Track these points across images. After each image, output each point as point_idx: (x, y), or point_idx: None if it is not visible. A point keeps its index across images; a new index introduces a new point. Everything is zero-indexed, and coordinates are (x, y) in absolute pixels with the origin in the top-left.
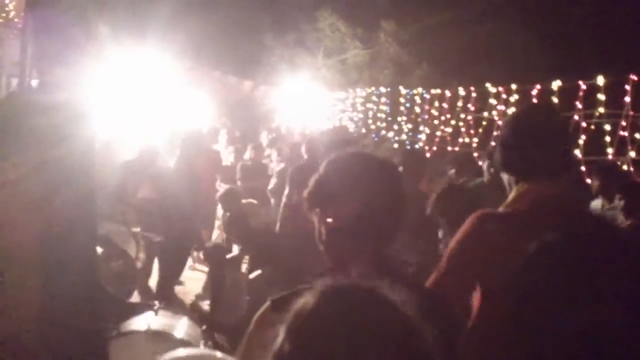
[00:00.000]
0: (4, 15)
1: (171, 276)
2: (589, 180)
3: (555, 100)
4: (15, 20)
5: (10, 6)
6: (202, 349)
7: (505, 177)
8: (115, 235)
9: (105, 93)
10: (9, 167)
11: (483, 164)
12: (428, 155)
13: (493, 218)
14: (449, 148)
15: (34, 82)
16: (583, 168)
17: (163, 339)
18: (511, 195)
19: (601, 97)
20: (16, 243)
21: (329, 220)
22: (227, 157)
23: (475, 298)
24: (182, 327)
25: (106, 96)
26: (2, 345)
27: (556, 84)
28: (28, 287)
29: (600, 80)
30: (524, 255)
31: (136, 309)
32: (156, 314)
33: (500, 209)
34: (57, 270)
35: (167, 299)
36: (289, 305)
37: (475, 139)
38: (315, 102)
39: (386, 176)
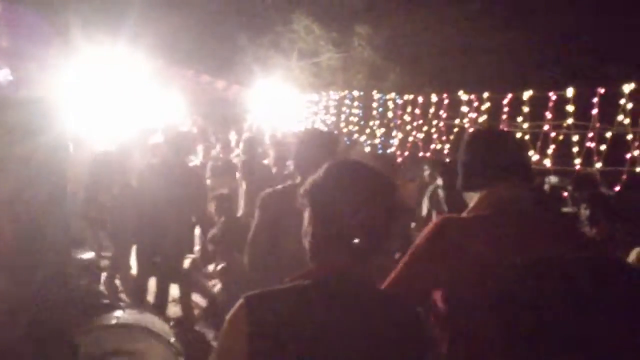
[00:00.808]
0: None
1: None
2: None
3: (525, 109)
4: None
5: None
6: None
7: (468, 196)
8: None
9: (76, 90)
10: None
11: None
12: (400, 160)
13: (455, 222)
14: (421, 154)
15: (2, 75)
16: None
17: (133, 331)
18: (472, 203)
19: (570, 108)
20: None
21: (318, 219)
22: (197, 155)
23: (438, 302)
24: (150, 321)
25: (77, 93)
26: None
27: (527, 94)
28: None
29: (570, 92)
30: (501, 264)
31: (106, 308)
32: (124, 310)
33: (463, 215)
34: (29, 267)
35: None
36: (263, 303)
37: (447, 145)
38: (288, 104)
39: (382, 190)
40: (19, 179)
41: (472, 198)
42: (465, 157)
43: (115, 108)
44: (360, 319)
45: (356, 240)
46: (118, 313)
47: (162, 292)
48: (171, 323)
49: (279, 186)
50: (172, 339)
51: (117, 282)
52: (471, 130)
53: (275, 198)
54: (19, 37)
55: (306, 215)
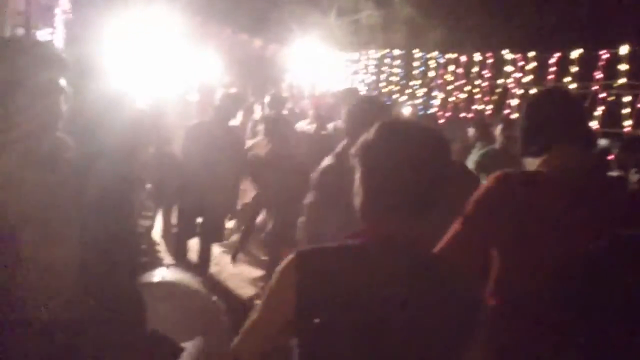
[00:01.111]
0: None
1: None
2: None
3: (574, 69)
4: None
5: None
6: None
7: (529, 162)
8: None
9: (115, 48)
10: (19, 124)
11: (496, 129)
12: (441, 121)
13: (515, 177)
14: (462, 114)
15: (40, 33)
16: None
17: (177, 288)
18: (532, 166)
19: (623, 67)
20: (31, 201)
21: (370, 179)
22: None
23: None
24: (193, 279)
25: (116, 51)
26: (48, 300)
27: (577, 53)
28: (66, 240)
29: (624, 50)
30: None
31: (147, 266)
32: (168, 269)
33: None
34: (94, 219)
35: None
36: (314, 259)
37: (490, 106)
38: (326, 63)
39: (436, 147)
40: (62, 139)
41: (533, 164)
42: (524, 122)
43: (152, 66)
44: (407, 280)
45: (408, 201)
46: (160, 271)
47: (205, 252)
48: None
49: (329, 161)
50: (214, 298)
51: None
52: (533, 91)
53: (331, 174)
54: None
55: (357, 175)
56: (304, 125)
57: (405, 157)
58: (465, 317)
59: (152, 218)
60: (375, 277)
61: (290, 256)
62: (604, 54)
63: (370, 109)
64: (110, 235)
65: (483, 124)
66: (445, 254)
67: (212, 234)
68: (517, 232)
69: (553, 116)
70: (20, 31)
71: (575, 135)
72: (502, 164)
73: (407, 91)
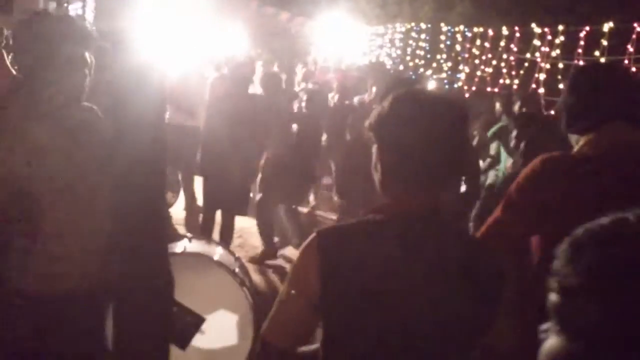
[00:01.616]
0: None
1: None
2: None
3: (604, 43)
4: None
5: None
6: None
7: (573, 138)
8: None
9: (145, 21)
10: (49, 98)
11: (515, 106)
12: (467, 95)
13: (558, 160)
14: (489, 89)
15: (72, 7)
16: None
17: (199, 260)
18: (578, 145)
19: None
20: (61, 175)
21: (387, 154)
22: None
23: (535, 246)
24: (216, 251)
25: (145, 24)
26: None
27: (607, 26)
28: (94, 210)
29: None
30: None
31: (172, 238)
32: (190, 241)
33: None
34: (123, 190)
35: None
36: (336, 237)
37: (516, 81)
38: (352, 37)
39: (452, 118)
40: (92, 112)
41: (578, 141)
42: (570, 97)
43: (179, 40)
44: (430, 256)
45: (427, 174)
46: (184, 242)
47: (228, 225)
48: (236, 255)
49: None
50: (237, 269)
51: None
52: (561, 65)
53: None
54: None
55: (374, 149)
56: (330, 98)
57: (422, 130)
58: (490, 290)
59: (177, 192)
60: (398, 252)
61: (312, 236)
62: (637, 27)
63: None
64: (139, 205)
65: (509, 98)
66: (486, 241)
67: (235, 206)
68: (562, 219)
69: (602, 92)
70: (52, 5)
71: (626, 112)
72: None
73: (433, 65)
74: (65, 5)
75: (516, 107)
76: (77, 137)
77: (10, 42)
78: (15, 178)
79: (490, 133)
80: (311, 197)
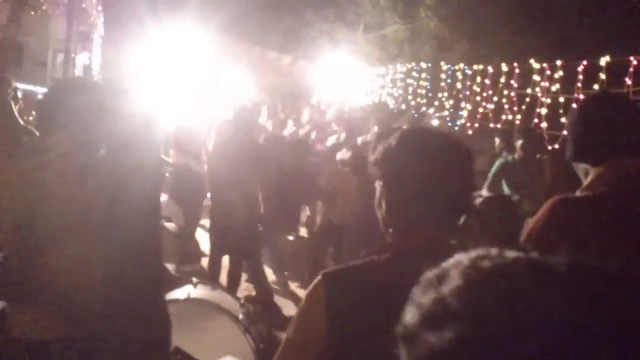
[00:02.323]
0: None
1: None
2: None
3: (603, 76)
4: None
5: None
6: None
7: (580, 167)
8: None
9: (149, 69)
10: (55, 143)
11: (516, 142)
12: (470, 132)
13: (571, 202)
14: (491, 125)
15: (78, 57)
16: None
17: (203, 306)
18: (588, 179)
19: None
20: (61, 216)
21: (391, 190)
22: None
23: None
24: (221, 297)
25: (150, 72)
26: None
27: (604, 60)
28: (93, 253)
29: None
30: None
31: (177, 283)
32: (195, 287)
33: (578, 193)
34: (117, 238)
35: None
36: (342, 279)
37: (519, 116)
38: (354, 78)
39: (457, 155)
40: (94, 156)
41: (582, 170)
42: (577, 127)
43: (184, 86)
44: None
45: (432, 212)
46: (189, 288)
47: (235, 271)
48: (241, 300)
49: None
50: (241, 316)
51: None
52: (584, 97)
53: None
54: (96, 22)
55: (378, 185)
56: (334, 140)
57: (427, 166)
58: None
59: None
60: (405, 293)
61: (317, 278)
62: (633, 60)
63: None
64: (137, 250)
65: (508, 134)
66: None
67: (242, 251)
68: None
69: (610, 124)
70: (60, 57)
71: (634, 146)
72: (521, 173)
73: (435, 103)
74: (73, 56)
75: (517, 145)
76: (82, 182)
77: (19, 93)
78: (22, 218)
79: (494, 170)
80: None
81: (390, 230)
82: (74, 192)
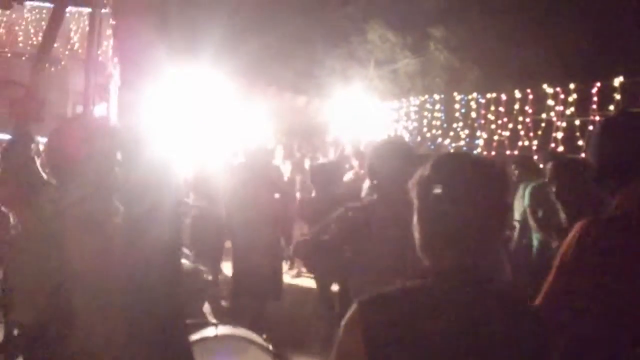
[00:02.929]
0: (69, 47)
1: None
2: None
3: (618, 97)
4: (79, 51)
5: (75, 38)
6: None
7: (606, 187)
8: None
9: (166, 113)
10: (73, 190)
11: (545, 165)
12: None
13: (600, 224)
14: (508, 152)
15: (97, 108)
16: None
17: (232, 340)
18: (616, 200)
19: None
20: (84, 263)
21: (427, 217)
22: (285, 172)
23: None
24: (245, 332)
25: (167, 116)
26: None
27: (618, 81)
28: (112, 301)
29: None
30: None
31: (199, 325)
32: (216, 327)
33: (607, 215)
34: (139, 282)
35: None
36: (378, 306)
37: (535, 142)
38: (368, 113)
39: (494, 181)
40: (111, 205)
41: (613, 192)
42: (599, 149)
43: (200, 129)
44: (475, 321)
45: (467, 236)
46: (213, 328)
47: (258, 312)
48: (264, 335)
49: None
50: (270, 347)
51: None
52: (577, 122)
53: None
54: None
55: (415, 210)
56: (351, 175)
57: (464, 190)
58: (536, 353)
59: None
60: (443, 319)
61: (353, 307)
62: None
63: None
64: (155, 298)
65: (525, 160)
66: (545, 310)
67: (265, 291)
68: (610, 284)
69: (633, 143)
70: (80, 108)
71: None
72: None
73: (451, 134)
74: (91, 107)
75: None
76: (97, 230)
77: (40, 147)
78: (41, 268)
79: (527, 197)
80: None
81: (426, 254)
82: (92, 239)
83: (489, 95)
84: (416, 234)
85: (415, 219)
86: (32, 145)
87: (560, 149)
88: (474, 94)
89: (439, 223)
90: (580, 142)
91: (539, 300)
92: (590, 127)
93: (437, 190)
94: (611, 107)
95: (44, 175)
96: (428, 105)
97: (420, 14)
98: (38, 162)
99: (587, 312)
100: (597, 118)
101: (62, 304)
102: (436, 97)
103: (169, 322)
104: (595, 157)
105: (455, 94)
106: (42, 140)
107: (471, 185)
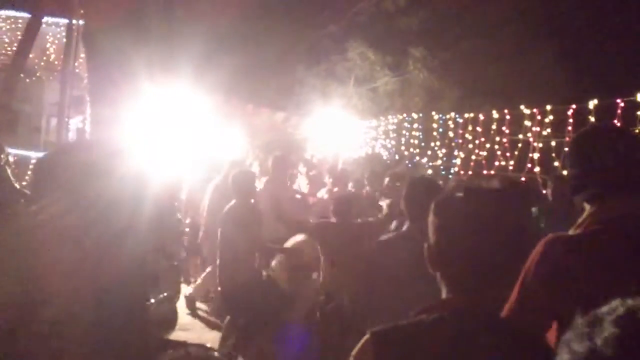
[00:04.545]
0: (44, 59)
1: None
2: None
3: (592, 119)
4: (55, 63)
5: (51, 49)
6: None
7: (578, 201)
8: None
9: (143, 129)
10: (48, 204)
11: (548, 190)
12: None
13: (561, 241)
14: (485, 172)
15: (72, 121)
16: None
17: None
18: (582, 216)
19: None
20: (57, 278)
21: (445, 251)
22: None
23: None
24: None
25: (144, 132)
26: None
27: (592, 103)
28: (74, 320)
29: None
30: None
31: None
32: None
33: (571, 232)
34: (103, 304)
35: None
36: (391, 338)
37: (512, 162)
38: (347, 131)
39: (502, 211)
40: (87, 220)
41: (585, 208)
42: (571, 165)
43: (178, 145)
44: (492, 354)
45: (485, 270)
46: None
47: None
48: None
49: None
50: None
51: None
52: (553, 143)
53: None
54: (91, 85)
55: (427, 245)
56: (324, 192)
57: (485, 232)
58: None
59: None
60: (457, 353)
61: (365, 337)
62: (620, 103)
63: (428, 191)
64: (124, 313)
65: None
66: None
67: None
68: (573, 301)
69: (603, 159)
70: (54, 121)
71: (629, 182)
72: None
73: (428, 152)
74: (67, 120)
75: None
76: (76, 242)
77: (10, 158)
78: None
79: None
80: None
81: (445, 284)
82: (68, 254)
83: (466, 115)
84: (436, 267)
85: (431, 254)
86: (2, 156)
87: (537, 169)
88: (452, 114)
89: (458, 263)
90: (556, 163)
91: (503, 313)
92: (566, 149)
93: (447, 235)
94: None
95: (17, 185)
96: (406, 124)
97: (400, 34)
98: (9, 171)
99: (542, 328)
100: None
101: (29, 318)
102: (414, 115)
103: (136, 340)
104: (568, 173)
105: (433, 113)
106: (12, 151)
107: (493, 226)
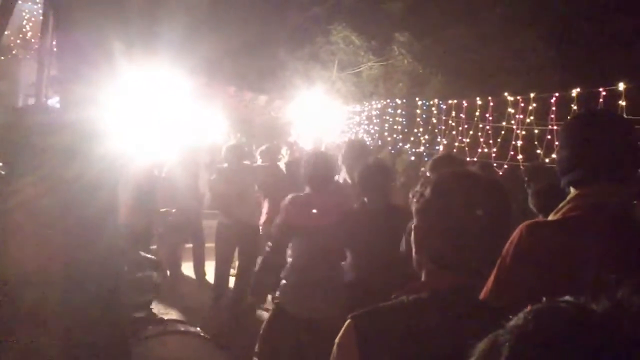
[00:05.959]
0: (20, 36)
1: None
2: None
3: (574, 107)
4: (32, 41)
5: (27, 27)
6: None
7: (564, 183)
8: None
9: (122, 110)
10: (25, 186)
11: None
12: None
13: (538, 227)
14: (468, 158)
15: (50, 101)
16: None
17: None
18: (562, 203)
19: (623, 103)
20: (34, 260)
21: (427, 237)
22: None
23: None
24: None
25: (122, 113)
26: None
27: (575, 91)
28: (48, 302)
29: (622, 86)
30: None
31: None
32: (167, 325)
33: (551, 216)
34: (77, 285)
35: None
36: (372, 321)
37: (494, 149)
38: (330, 116)
39: (493, 199)
40: (69, 197)
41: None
42: (560, 150)
43: (158, 127)
44: (471, 338)
45: (465, 259)
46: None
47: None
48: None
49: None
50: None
51: None
52: (536, 131)
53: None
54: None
55: (413, 226)
56: None
57: (465, 216)
58: None
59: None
60: (439, 335)
61: (347, 322)
62: (602, 92)
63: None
64: (99, 292)
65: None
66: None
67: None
68: (548, 288)
69: (598, 143)
70: (32, 100)
71: (620, 168)
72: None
73: (412, 138)
74: (44, 99)
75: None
76: (50, 224)
77: None
78: None
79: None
80: None
81: (422, 269)
82: (46, 236)
83: (450, 102)
84: (414, 250)
85: (413, 235)
86: None
87: (520, 157)
88: (436, 100)
89: (438, 245)
90: (539, 151)
91: (481, 295)
92: (549, 137)
93: (437, 212)
94: (568, 117)
95: None
96: (390, 110)
97: (385, 18)
98: None
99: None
100: (555, 128)
101: (4, 299)
102: (398, 101)
103: (111, 316)
104: (557, 156)
105: (417, 99)
106: None
107: (475, 206)
